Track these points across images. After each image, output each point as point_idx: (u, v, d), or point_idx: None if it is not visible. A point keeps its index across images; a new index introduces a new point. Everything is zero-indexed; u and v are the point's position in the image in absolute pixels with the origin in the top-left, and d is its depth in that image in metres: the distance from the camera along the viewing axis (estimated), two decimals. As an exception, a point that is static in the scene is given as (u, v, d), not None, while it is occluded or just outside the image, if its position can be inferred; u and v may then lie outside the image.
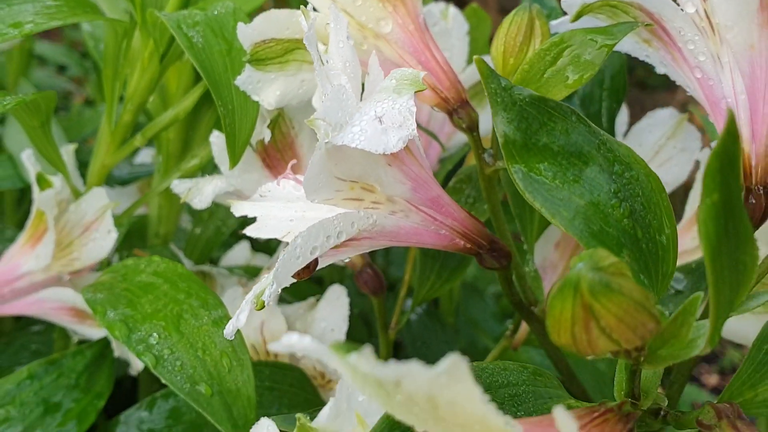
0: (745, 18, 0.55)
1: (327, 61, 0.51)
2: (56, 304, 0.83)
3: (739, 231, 0.33)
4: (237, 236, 1.06)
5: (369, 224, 0.53)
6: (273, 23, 0.64)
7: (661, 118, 0.83)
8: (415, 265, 0.81)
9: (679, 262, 0.81)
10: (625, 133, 0.86)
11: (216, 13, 0.69)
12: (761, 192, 0.58)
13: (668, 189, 0.87)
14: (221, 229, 1.01)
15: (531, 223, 0.69)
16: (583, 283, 0.31)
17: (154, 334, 0.67)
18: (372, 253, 0.84)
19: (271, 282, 0.50)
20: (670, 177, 0.82)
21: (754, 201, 0.58)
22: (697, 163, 0.83)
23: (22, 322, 1.00)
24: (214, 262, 1.06)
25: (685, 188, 0.83)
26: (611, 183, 0.42)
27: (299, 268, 0.50)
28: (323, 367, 0.78)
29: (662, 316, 0.35)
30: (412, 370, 0.27)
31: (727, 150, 0.31)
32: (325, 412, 0.41)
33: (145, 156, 1.23)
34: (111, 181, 1.10)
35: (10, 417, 0.73)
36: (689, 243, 0.77)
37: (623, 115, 0.87)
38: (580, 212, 0.40)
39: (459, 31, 0.85)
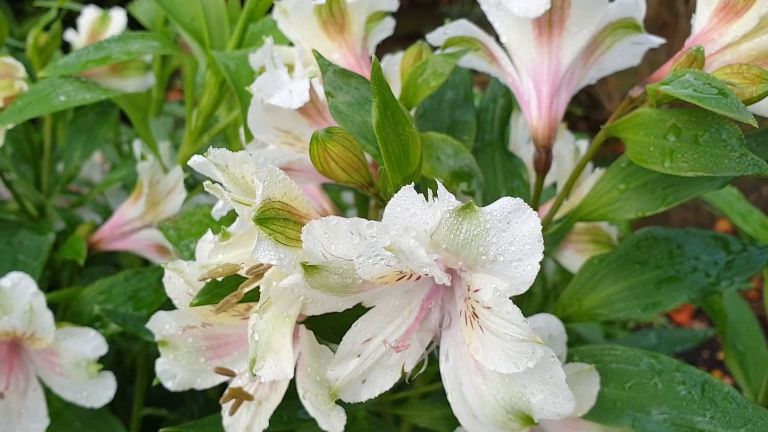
0: (525, 42, 0.90)
1: (278, 66, 0.93)
2: (147, 242, 1.27)
3: (395, 115, 0.68)
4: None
5: (297, 159, 0.93)
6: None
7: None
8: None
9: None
10: (529, 140, 1.20)
11: (246, 51, 1.13)
12: (543, 151, 0.92)
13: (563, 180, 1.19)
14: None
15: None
16: (319, 135, 0.69)
17: (193, 242, 1.09)
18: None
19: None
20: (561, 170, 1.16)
21: (538, 155, 0.92)
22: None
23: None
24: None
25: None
26: (377, 111, 0.79)
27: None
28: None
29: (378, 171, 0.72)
30: (226, 154, 0.66)
31: (376, 74, 0.68)
32: (234, 225, 0.79)
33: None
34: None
35: (107, 299, 1.17)
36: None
37: (527, 128, 1.21)
38: (356, 125, 0.77)
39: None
